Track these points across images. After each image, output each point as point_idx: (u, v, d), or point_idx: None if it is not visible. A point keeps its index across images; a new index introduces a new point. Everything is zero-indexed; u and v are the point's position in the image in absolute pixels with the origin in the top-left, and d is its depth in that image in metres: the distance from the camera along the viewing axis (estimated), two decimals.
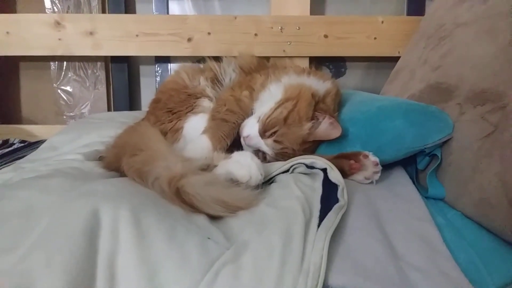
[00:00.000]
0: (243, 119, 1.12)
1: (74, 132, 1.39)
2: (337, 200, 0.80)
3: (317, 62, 1.97)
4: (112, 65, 2.03)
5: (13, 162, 1.26)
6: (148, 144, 0.93)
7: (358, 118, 1.09)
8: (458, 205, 0.90)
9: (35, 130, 1.94)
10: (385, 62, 1.95)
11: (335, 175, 0.87)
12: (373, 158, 0.96)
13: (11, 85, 2.08)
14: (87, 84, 2.06)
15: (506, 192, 0.75)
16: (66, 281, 0.57)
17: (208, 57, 1.37)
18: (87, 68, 2.05)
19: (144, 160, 0.88)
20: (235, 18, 1.87)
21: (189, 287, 0.61)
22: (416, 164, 1.04)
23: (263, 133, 1.05)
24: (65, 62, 2.03)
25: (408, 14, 1.96)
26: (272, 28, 1.87)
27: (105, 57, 2.03)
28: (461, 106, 0.99)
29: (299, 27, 1.87)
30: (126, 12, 1.98)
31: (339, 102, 1.21)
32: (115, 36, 1.85)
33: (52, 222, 0.66)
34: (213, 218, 0.77)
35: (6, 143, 1.65)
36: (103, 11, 2.01)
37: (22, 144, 1.63)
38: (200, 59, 1.89)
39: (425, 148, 0.99)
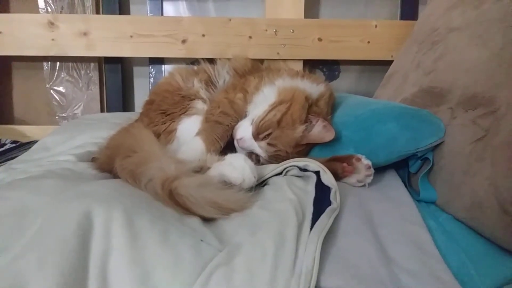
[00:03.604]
0: (237, 122, 1.12)
1: (67, 133, 1.39)
2: (329, 203, 0.80)
3: (311, 65, 1.97)
4: (106, 66, 2.03)
5: (5, 162, 1.25)
6: (141, 146, 0.93)
7: (351, 122, 1.10)
8: (449, 209, 0.91)
9: (27, 131, 1.93)
10: (379, 66, 1.96)
11: (328, 178, 0.88)
12: (365, 161, 0.97)
13: (3, 85, 2.06)
14: (80, 85, 2.05)
15: (497, 196, 0.76)
16: (58, 283, 0.57)
17: (202, 59, 1.37)
18: (80, 68, 2.04)
19: (137, 161, 0.88)
20: (230, 20, 1.87)
21: None
22: (408, 167, 1.05)
23: (256, 136, 1.06)
24: (58, 63, 2.02)
25: (402, 18, 1.98)
26: (266, 30, 1.88)
27: (99, 57, 2.02)
28: (453, 110, 0.99)
29: (293, 30, 1.88)
30: (120, 13, 1.97)
31: (333, 105, 1.22)
32: (109, 37, 1.85)
33: (44, 224, 0.66)
34: (206, 220, 0.77)
35: None
36: (97, 12, 2.00)
37: (14, 145, 1.62)
38: (194, 61, 1.89)
39: (417, 152, 0.99)
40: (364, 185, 0.98)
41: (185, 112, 1.16)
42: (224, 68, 1.31)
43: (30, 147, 1.37)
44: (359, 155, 0.98)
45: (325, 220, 0.74)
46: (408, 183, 1.05)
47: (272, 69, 1.36)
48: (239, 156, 0.94)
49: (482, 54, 0.99)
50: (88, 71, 2.04)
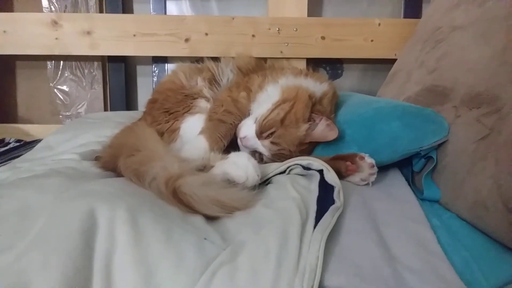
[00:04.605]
0: (240, 120, 1.12)
1: (70, 132, 1.39)
2: (333, 202, 0.80)
3: (314, 64, 1.97)
4: (109, 64, 2.03)
5: (9, 161, 1.25)
6: (145, 145, 0.93)
7: (354, 120, 1.09)
8: (453, 207, 0.91)
9: (31, 130, 1.94)
10: (382, 64, 1.96)
11: (331, 177, 0.88)
12: (369, 160, 0.97)
13: (7, 84, 2.07)
14: (84, 84, 2.05)
15: (501, 195, 0.75)
16: (62, 281, 0.58)
17: (206, 57, 1.37)
18: (84, 67, 2.04)
19: (141, 160, 0.88)
20: (233, 19, 1.87)
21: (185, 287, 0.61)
22: (411, 166, 1.05)
23: (260, 134, 1.06)
24: (61, 62, 2.03)
25: (405, 16, 1.97)
26: (269, 29, 1.88)
27: (102, 56, 2.03)
28: (457, 109, 0.99)
29: (296, 28, 1.88)
30: (123, 12, 1.98)
31: (336, 104, 1.22)
32: (112, 35, 1.85)
33: (48, 222, 0.66)
34: (210, 218, 0.77)
35: (1, 142, 1.65)
36: (100, 11, 2.00)
37: (18, 144, 1.63)
38: (198, 59, 1.89)
39: (421, 151, 0.99)
40: (367, 184, 0.98)
41: (189, 110, 1.16)
42: (228, 67, 1.31)
43: (34, 146, 1.37)
44: (363, 154, 0.98)
45: (328, 218, 0.74)
46: (411, 182, 1.05)
47: (276, 68, 1.36)
48: (242, 154, 0.94)
49: (486, 52, 0.99)
50: (92, 70, 2.05)
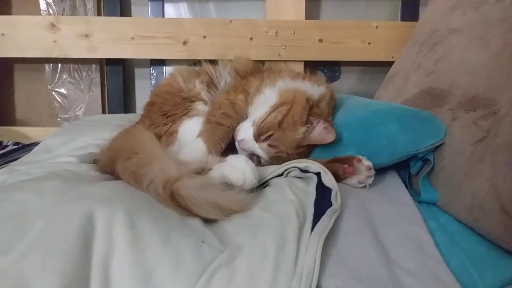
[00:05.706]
0: (238, 123, 1.12)
1: (69, 135, 1.39)
2: (330, 204, 0.80)
3: (311, 66, 1.97)
4: (107, 67, 2.04)
5: (7, 164, 1.25)
6: (143, 147, 0.93)
7: (352, 123, 1.10)
8: (450, 210, 0.91)
9: (29, 132, 1.94)
10: (380, 67, 1.96)
11: (328, 179, 0.88)
12: (366, 162, 0.97)
13: (5, 87, 2.07)
14: (82, 87, 2.06)
15: (498, 197, 0.76)
16: (61, 283, 0.58)
17: (204, 60, 1.38)
18: (82, 70, 2.05)
19: (139, 163, 0.88)
20: (231, 21, 1.88)
21: None
22: (409, 168, 1.05)
23: (257, 137, 1.06)
24: (59, 64, 2.03)
25: (402, 19, 1.98)
26: (267, 32, 1.88)
27: (100, 59, 2.03)
28: (454, 111, 1.00)
29: (294, 31, 1.88)
30: (121, 15, 1.98)
31: (334, 107, 1.22)
32: (110, 38, 1.86)
33: (47, 225, 0.66)
34: (208, 221, 0.78)
35: None
36: (99, 14, 2.01)
37: (16, 146, 1.63)
38: (196, 62, 1.89)
39: (418, 153, 0.99)
40: (365, 186, 0.98)
41: (186, 113, 1.16)
42: (225, 69, 1.32)
43: (32, 149, 1.37)
44: (360, 156, 0.98)
45: (326, 221, 0.74)
46: (409, 184, 1.05)
47: (273, 71, 1.36)
48: (240, 157, 0.94)
49: (483, 55, 0.99)
50: (90, 73, 2.05)
